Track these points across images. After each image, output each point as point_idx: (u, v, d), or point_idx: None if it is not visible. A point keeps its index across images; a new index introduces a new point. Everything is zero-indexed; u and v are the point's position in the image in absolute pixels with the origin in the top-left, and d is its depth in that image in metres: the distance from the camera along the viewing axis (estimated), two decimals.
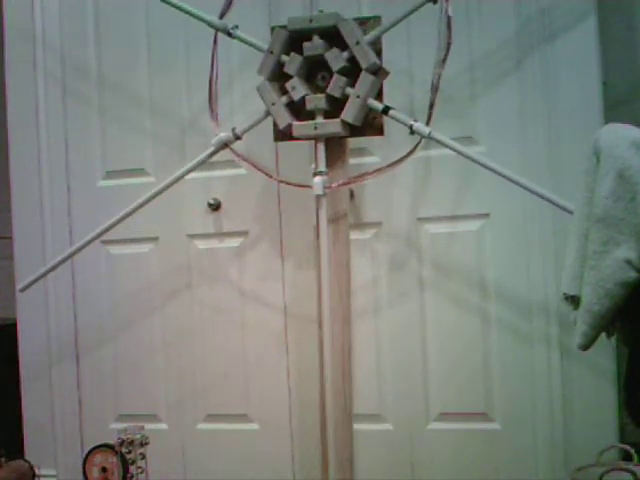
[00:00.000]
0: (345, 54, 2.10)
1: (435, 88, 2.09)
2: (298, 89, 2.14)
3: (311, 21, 2.11)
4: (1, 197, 2.85)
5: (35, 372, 2.68)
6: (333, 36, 2.11)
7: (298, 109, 2.17)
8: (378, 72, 2.12)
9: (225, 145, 2.26)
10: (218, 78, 2.27)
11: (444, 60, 2.07)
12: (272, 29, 2.21)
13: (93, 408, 2.65)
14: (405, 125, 2.10)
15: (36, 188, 2.67)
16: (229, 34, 2.22)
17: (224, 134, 2.24)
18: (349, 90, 2.11)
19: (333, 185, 2.15)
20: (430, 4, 2.06)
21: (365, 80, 2.09)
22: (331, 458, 2.15)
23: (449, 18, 2.05)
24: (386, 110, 2.11)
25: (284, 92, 2.17)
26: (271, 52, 2.16)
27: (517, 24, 2.27)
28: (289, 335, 2.47)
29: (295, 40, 2.14)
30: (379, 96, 2.14)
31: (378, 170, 2.16)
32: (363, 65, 2.09)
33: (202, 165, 2.52)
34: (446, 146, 2.10)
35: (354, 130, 2.15)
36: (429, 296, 2.35)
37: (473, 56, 2.30)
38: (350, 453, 2.17)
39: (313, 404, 2.26)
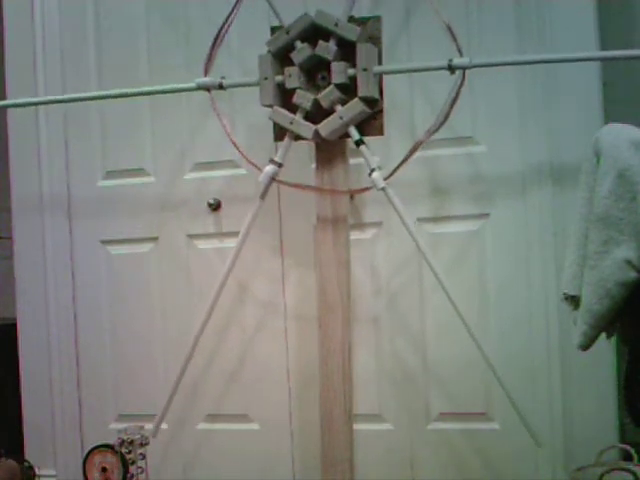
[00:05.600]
0: (351, 71, 2.09)
1: (413, 150, 2.10)
2: (293, 79, 2.13)
3: (336, 25, 2.08)
4: (1, 197, 2.85)
5: (35, 372, 2.68)
6: (349, 48, 2.09)
7: (287, 95, 2.16)
8: (373, 104, 2.11)
9: (207, 89, 2.24)
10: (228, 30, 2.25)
11: (433, 132, 2.08)
12: (272, 29, 2.21)
13: (93, 408, 2.65)
14: (368, 166, 2.11)
15: (36, 188, 2.67)
16: None
17: (209, 79, 2.24)
18: (337, 107, 2.10)
19: (280, 179, 2.18)
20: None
21: (355, 107, 2.08)
22: (331, 458, 2.16)
23: (457, 95, 2.05)
24: (358, 143, 2.11)
25: (282, 73, 2.15)
26: (287, 32, 2.14)
27: (516, 19, 2.27)
28: (289, 335, 2.47)
29: (315, 32, 2.12)
30: (380, 97, 2.13)
31: (328, 190, 2.18)
32: (360, 93, 2.08)
33: (202, 165, 2.53)
34: (393, 205, 2.11)
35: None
36: (429, 296, 2.35)
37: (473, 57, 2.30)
38: (350, 453, 2.17)
39: (313, 404, 2.26)
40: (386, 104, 2.16)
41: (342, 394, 2.16)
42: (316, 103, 2.12)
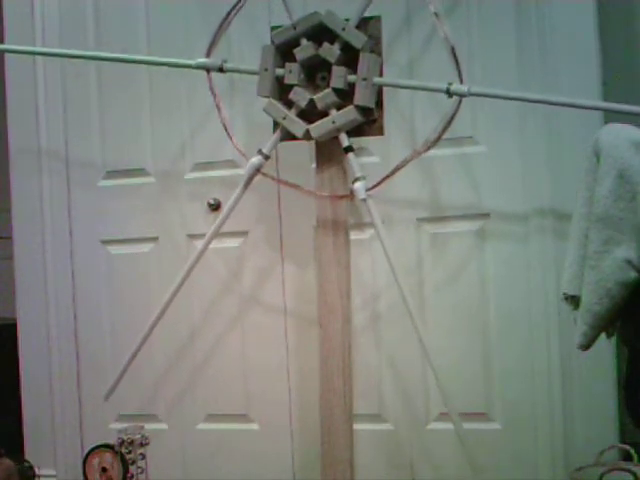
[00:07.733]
0: (351, 78, 2.08)
1: (399, 167, 2.11)
2: (293, 75, 2.13)
3: (344, 29, 2.08)
4: (1, 197, 2.85)
5: (35, 372, 2.68)
6: (353, 53, 2.09)
7: (285, 90, 2.16)
8: (368, 113, 2.11)
9: (207, 69, 2.23)
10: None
11: (422, 153, 2.09)
12: (272, 29, 2.21)
13: (93, 408, 2.65)
14: (352, 174, 2.13)
15: (36, 188, 2.67)
16: None
17: (210, 60, 2.23)
18: (332, 110, 2.10)
19: (264, 172, 2.21)
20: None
21: (348, 114, 2.09)
22: (331, 458, 2.15)
23: (451, 119, 2.05)
24: (347, 150, 2.12)
25: (283, 67, 2.15)
26: (294, 28, 2.13)
27: (517, 22, 2.27)
28: (289, 335, 2.47)
29: (321, 32, 2.11)
30: (379, 106, 2.13)
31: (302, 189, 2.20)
32: (355, 101, 2.08)
33: (202, 165, 2.53)
34: (372, 220, 2.13)
35: (353, 130, 2.14)
36: (429, 296, 2.35)
37: (473, 54, 2.30)
38: (350, 453, 2.17)
39: (313, 404, 2.26)
40: (386, 104, 2.16)
41: (342, 394, 2.16)
42: (312, 102, 2.12)
